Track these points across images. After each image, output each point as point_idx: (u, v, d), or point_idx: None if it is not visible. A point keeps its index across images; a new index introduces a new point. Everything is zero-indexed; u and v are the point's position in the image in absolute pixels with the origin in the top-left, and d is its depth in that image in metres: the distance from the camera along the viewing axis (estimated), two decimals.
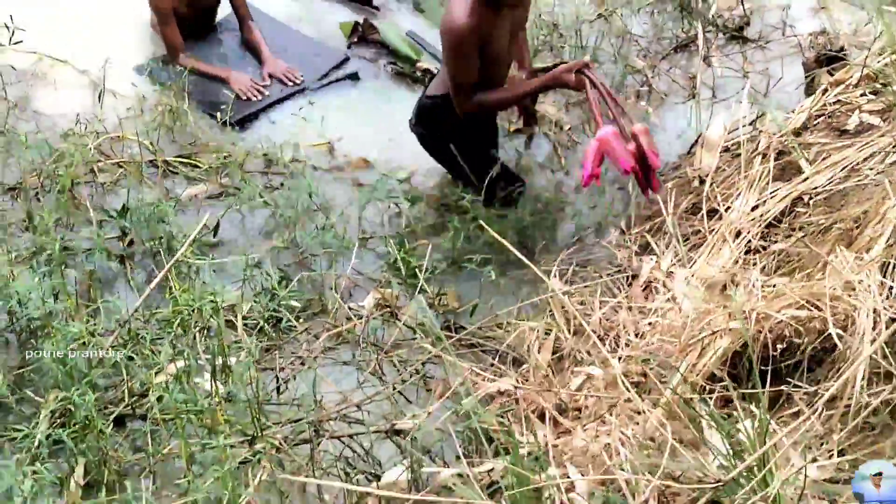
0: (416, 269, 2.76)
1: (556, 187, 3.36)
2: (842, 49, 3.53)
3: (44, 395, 2.37)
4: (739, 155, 3.06)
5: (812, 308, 2.26)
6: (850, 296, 2.23)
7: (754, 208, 2.85)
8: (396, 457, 2.28)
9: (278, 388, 2.50)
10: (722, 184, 3.03)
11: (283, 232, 3.04)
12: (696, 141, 3.33)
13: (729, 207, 2.89)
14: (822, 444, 2.06)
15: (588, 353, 2.50)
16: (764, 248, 2.72)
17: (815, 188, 2.80)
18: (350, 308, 2.76)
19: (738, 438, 1.97)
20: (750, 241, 2.74)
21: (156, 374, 2.34)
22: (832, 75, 3.31)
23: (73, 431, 2.20)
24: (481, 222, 2.73)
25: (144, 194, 3.04)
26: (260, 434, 2.24)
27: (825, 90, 3.19)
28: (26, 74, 3.65)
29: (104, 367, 2.38)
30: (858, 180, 2.71)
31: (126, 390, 2.38)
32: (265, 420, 2.29)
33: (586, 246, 3.10)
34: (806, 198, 2.80)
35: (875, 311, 2.17)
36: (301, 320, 2.70)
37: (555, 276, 2.74)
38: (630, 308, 2.63)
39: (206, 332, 2.47)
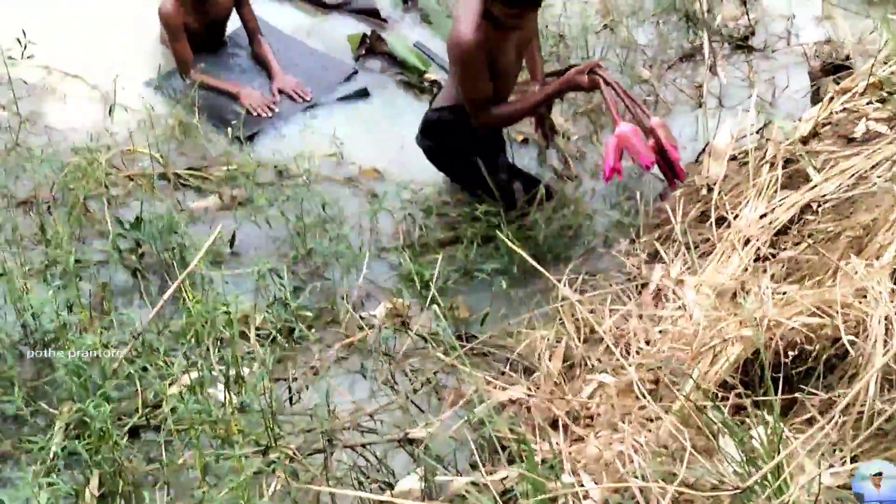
0: (429, 281, 2.77)
1: (575, 189, 3.35)
2: (847, 58, 3.55)
3: (58, 407, 2.39)
4: (747, 163, 3.06)
5: (823, 315, 2.27)
6: (861, 303, 2.24)
7: (763, 216, 2.85)
8: (410, 465, 2.29)
9: (291, 398, 2.52)
10: (730, 192, 3.03)
11: (295, 242, 3.06)
12: (704, 149, 3.34)
13: (737, 215, 2.90)
14: (834, 451, 2.06)
15: (599, 360, 2.51)
16: (773, 256, 2.72)
17: (824, 196, 2.80)
18: (362, 318, 2.77)
19: (752, 445, 1.97)
20: (759, 248, 2.74)
21: (170, 385, 2.35)
22: (838, 84, 3.32)
23: (87, 443, 2.20)
24: (498, 233, 2.74)
25: (156, 207, 3.06)
26: (274, 444, 2.25)
27: (832, 98, 3.20)
28: (37, 89, 3.69)
29: (118, 378, 2.39)
30: (867, 188, 2.71)
31: (140, 401, 2.39)
32: (279, 430, 2.30)
33: (596, 255, 3.11)
34: (814, 205, 2.80)
35: (887, 318, 2.17)
36: (313, 330, 2.71)
37: (565, 285, 2.75)
38: (640, 316, 2.63)
39: (219, 342, 2.47)
